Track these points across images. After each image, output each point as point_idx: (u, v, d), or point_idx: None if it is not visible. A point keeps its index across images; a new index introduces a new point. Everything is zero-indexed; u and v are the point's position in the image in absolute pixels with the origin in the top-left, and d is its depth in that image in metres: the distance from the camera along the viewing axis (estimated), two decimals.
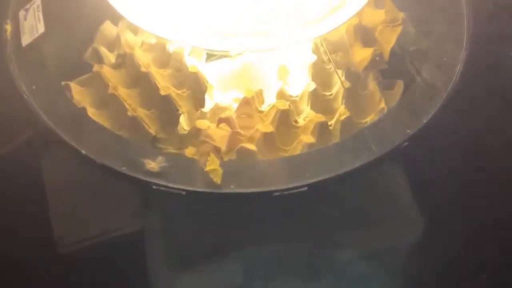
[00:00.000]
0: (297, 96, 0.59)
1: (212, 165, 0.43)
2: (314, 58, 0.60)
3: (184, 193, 0.43)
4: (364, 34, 0.59)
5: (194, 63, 0.58)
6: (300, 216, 0.47)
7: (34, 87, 0.48)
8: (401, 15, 0.60)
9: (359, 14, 0.56)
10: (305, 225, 0.49)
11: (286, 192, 0.43)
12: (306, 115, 0.58)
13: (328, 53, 0.58)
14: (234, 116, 0.53)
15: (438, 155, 0.52)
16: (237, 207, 0.46)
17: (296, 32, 0.48)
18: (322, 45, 0.58)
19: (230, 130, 0.51)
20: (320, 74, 0.60)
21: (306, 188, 0.43)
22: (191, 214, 0.48)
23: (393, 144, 0.45)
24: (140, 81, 0.56)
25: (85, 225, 0.55)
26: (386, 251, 0.57)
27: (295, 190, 0.43)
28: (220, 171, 0.44)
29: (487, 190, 0.52)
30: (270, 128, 0.52)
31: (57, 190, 0.58)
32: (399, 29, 0.59)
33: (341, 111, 0.58)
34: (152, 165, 0.44)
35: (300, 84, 0.60)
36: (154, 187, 0.43)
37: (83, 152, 0.45)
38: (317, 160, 0.46)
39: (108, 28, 0.61)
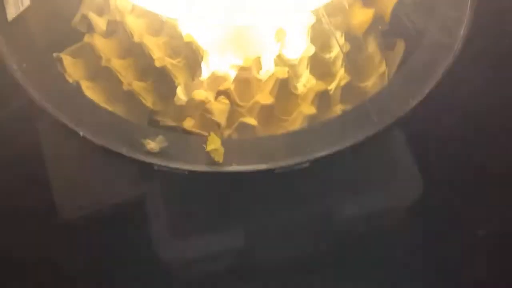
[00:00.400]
0: (296, 60, 0.58)
1: (213, 144, 0.42)
2: (313, 19, 0.58)
3: (186, 173, 0.43)
4: None
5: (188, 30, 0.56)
6: (302, 192, 0.47)
7: (24, 65, 0.47)
8: None
9: None
10: (308, 200, 0.49)
11: (288, 169, 0.43)
12: (306, 81, 0.56)
13: (326, 15, 0.55)
14: (232, 87, 0.52)
15: (443, 121, 0.51)
16: (239, 185, 0.46)
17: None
18: (322, 7, 0.55)
19: (229, 104, 0.49)
20: (319, 37, 0.58)
21: (307, 164, 0.43)
22: (193, 193, 0.48)
23: (394, 116, 0.44)
24: (133, 51, 0.54)
25: (86, 193, 0.55)
26: (387, 212, 0.57)
27: (297, 167, 0.43)
28: (222, 150, 0.43)
29: (488, 157, 0.52)
30: (269, 99, 0.51)
31: (55, 160, 0.58)
32: None
33: (341, 76, 0.56)
34: (152, 145, 0.43)
35: (299, 47, 0.59)
36: (155, 168, 0.43)
37: (81, 133, 0.44)
38: (318, 134, 0.45)
39: None
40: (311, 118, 0.50)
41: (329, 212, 0.53)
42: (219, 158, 0.43)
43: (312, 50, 0.57)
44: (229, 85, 0.51)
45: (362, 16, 0.56)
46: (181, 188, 0.51)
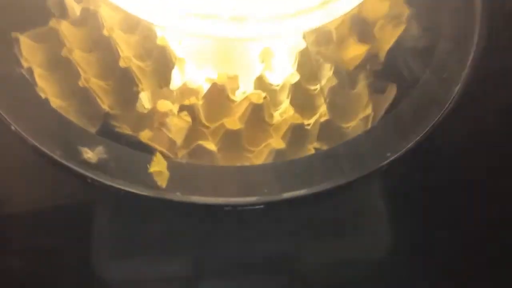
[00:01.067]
0: (278, 86, 0.53)
1: (158, 166, 0.37)
2: (302, 45, 0.53)
3: (122, 192, 0.38)
4: (361, 28, 0.52)
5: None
6: (255, 235, 0.41)
7: None
8: (407, 11, 0.53)
9: (359, 3, 0.49)
10: (260, 239, 0.43)
11: (239, 208, 0.38)
12: (283, 111, 0.51)
13: (316, 43, 0.51)
14: (200, 103, 0.47)
15: (418, 180, 0.46)
16: (182, 216, 0.41)
17: (281, 22, 0.41)
18: (312, 34, 0.51)
19: (191, 122, 0.44)
20: (306, 65, 0.53)
21: (262, 206, 0.37)
22: (134, 214, 0.42)
23: (368, 169, 0.39)
24: (100, 45, 0.49)
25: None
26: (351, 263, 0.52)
27: (250, 207, 0.38)
28: (167, 174, 0.38)
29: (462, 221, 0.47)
30: (237, 125, 0.45)
31: None
32: (401, 28, 0.52)
33: (322, 112, 0.52)
34: (90, 154, 0.38)
35: (285, 71, 0.54)
36: (88, 180, 0.37)
37: (13, 127, 0.38)
38: (281, 173, 0.40)
39: None
40: (279, 153, 0.45)
41: (282, 256, 0.48)
42: (162, 182, 0.38)
43: (296, 77, 0.52)
44: (196, 100, 0.46)
45: (355, 51, 0.51)
46: (123, 206, 0.46)
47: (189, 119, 0.44)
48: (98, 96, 0.47)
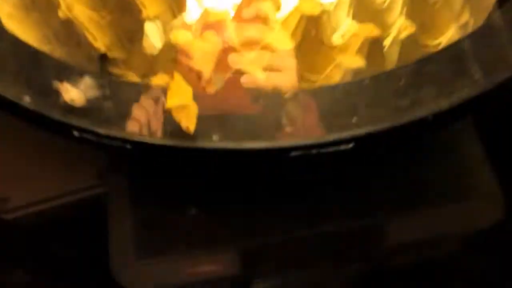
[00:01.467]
0: (332, 4, 0.38)
1: (178, 96, 0.23)
2: None
3: (128, 146, 0.24)
4: None
5: None
6: (331, 194, 0.27)
7: None
8: None
9: None
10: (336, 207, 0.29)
11: (313, 151, 0.23)
12: (347, 30, 0.37)
13: None
14: (230, 23, 0.33)
15: None
16: (223, 176, 0.26)
17: None
18: None
19: (221, 43, 0.30)
20: None
21: (351, 145, 0.23)
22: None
23: (476, 89, 0.24)
24: None
25: (36, 185, 0.43)
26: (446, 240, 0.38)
27: (328, 149, 0.23)
28: (194, 109, 0.24)
29: None
30: (289, 44, 0.31)
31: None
32: None
33: (402, 26, 0.37)
34: (73, 93, 0.24)
35: None
36: (75, 133, 0.24)
37: None
38: (363, 96, 0.25)
39: None
40: (356, 74, 0.30)
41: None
42: (189, 122, 0.24)
43: None
44: (225, 16, 0.32)
45: None
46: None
47: (217, 39, 0.30)
48: (88, 32, 0.33)
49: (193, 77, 0.29)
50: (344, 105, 0.25)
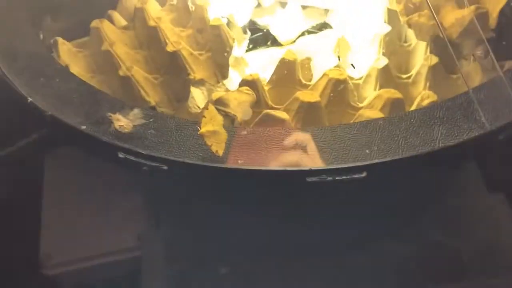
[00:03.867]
0: (361, 79, 0.42)
1: (211, 123, 0.26)
2: (386, 29, 0.43)
3: (165, 167, 0.27)
4: None
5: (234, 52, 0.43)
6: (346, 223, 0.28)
7: None
8: None
9: None
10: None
11: (328, 177, 0.25)
12: (371, 97, 0.40)
13: (406, 13, 0.41)
14: (265, 85, 0.37)
15: None
16: (247, 196, 0.29)
17: None
18: (399, 2, 0.41)
19: (254, 96, 0.34)
20: (395, 49, 0.43)
21: (363, 174, 0.25)
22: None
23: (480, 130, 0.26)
24: (147, 38, 0.41)
25: (80, 243, 0.44)
26: None
27: (344, 177, 0.25)
28: (224, 136, 0.27)
29: None
30: (315, 97, 0.34)
31: (54, 193, 0.45)
32: None
33: (424, 95, 0.40)
34: (123, 122, 0.28)
35: (367, 61, 0.43)
36: (120, 155, 0.27)
37: (29, 99, 0.30)
38: (377, 133, 0.28)
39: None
40: None
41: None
42: (217, 147, 0.27)
43: (383, 62, 0.41)
44: (257, 75, 0.36)
45: (455, 15, 0.40)
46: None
47: (251, 92, 0.34)
48: (142, 89, 0.38)
49: (228, 122, 0.33)
50: (360, 141, 0.27)
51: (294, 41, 0.48)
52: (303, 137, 0.30)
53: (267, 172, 0.26)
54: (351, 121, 0.35)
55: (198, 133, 0.27)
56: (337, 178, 0.26)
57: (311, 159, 0.28)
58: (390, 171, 0.26)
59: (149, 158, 0.27)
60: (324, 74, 0.37)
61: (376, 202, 0.29)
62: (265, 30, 0.49)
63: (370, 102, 0.37)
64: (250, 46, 0.47)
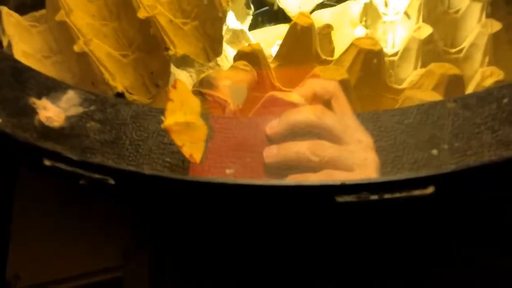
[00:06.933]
0: (396, 54, 0.32)
1: (181, 111, 0.16)
2: None
3: (113, 182, 0.16)
4: None
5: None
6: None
7: None
8: None
9: None
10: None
11: (371, 196, 0.15)
12: (416, 76, 0.29)
13: None
14: (271, 62, 0.26)
15: None
16: (241, 221, 0.18)
17: None
18: None
19: (254, 72, 0.24)
20: (437, 17, 0.33)
21: (430, 190, 0.15)
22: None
23: None
24: (117, 6, 0.31)
25: (54, 263, 0.37)
26: None
27: (396, 194, 0.15)
28: (203, 130, 0.16)
29: None
30: (342, 74, 0.24)
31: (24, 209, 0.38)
32: None
33: (486, 72, 0.29)
34: (51, 111, 0.18)
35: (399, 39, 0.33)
36: (46, 162, 0.17)
37: None
38: (448, 122, 0.17)
39: None
40: None
41: None
42: (192, 148, 0.16)
43: (426, 31, 0.31)
44: (259, 45, 0.25)
45: None
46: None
47: (249, 68, 0.24)
48: (106, 69, 0.28)
49: (217, 109, 0.22)
50: (420, 135, 0.17)
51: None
52: (326, 85, 0.20)
53: (268, 188, 0.15)
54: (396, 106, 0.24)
55: (162, 126, 0.17)
56: (385, 196, 0.15)
57: (340, 125, 0.18)
58: (472, 183, 0.15)
59: (89, 167, 0.17)
60: (352, 44, 0.26)
61: (445, 233, 0.18)
62: (272, 4, 0.39)
63: (417, 81, 0.26)
64: (253, 23, 0.37)
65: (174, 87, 0.17)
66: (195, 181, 0.15)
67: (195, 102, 0.17)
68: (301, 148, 0.19)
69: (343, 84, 0.23)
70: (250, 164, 0.17)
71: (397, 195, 0.15)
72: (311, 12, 0.40)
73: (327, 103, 0.21)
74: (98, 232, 0.37)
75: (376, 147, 0.17)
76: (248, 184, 0.15)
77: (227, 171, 0.16)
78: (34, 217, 0.39)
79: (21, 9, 0.35)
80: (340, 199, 0.15)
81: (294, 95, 0.21)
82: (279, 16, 0.39)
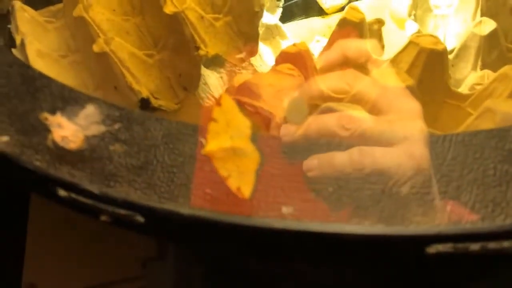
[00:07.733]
0: (451, 52, 0.28)
1: (226, 134, 0.13)
2: None
3: (142, 220, 0.13)
4: None
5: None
6: None
7: None
8: None
9: None
10: None
11: (470, 247, 0.11)
12: (479, 78, 0.26)
13: None
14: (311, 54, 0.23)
15: None
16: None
17: None
18: None
19: (301, 77, 0.20)
20: (497, 11, 0.29)
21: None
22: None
23: None
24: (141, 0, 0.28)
25: (73, 272, 0.36)
26: None
27: (497, 246, 0.11)
28: (255, 157, 0.13)
29: None
30: (408, 80, 0.20)
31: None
32: None
33: None
34: (67, 130, 0.14)
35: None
36: (60, 192, 0.14)
37: None
38: None
39: None
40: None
41: None
42: (240, 180, 0.13)
43: (488, 27, 0.27)
44: (305, 45, 0.22)
45: None
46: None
47: (296, 72, 0.20)
48: (128, 72, 0.24)
49: (259, 123, 0.19)
50: None
51: (343, 7, 0.36)
52: (360, 46, 0.18)
53: (340, 237, 0.12)
54: (467, 120, 0.20)
55: (203, 152, 0.13)
56: (489, 247, 0.12)
57: (377, 92, 0.16)
58: None
59: (112, 202, 0.13)
60: (410, 42, 0.23)
61: None
62: None
63: (487, 86, 0.22)
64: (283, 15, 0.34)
65: (219, 104, 0.13)
66: (248, 226, 0.12)
67: (244, 122, 0.14)
68: (327, 122, 0.15)
69: (410, 89, 0.19)
70: (310, 198, 0.14)
71: (497, 246, 0.12)
72: (346, 4, 0.37)
73: (362, 67, 0.18)
74: (118, 242, 0.35)
75: (468, 178, 0.13)
76: (317, 232, 0.12)
77: (284, 209, 0.13)
78: (52, 225, 0.37)
79: (36, 3, 0.32)
80: (431, 250, 0.12)
81: (351, 108, 0.18)
82: (311, 8, 0.37)
